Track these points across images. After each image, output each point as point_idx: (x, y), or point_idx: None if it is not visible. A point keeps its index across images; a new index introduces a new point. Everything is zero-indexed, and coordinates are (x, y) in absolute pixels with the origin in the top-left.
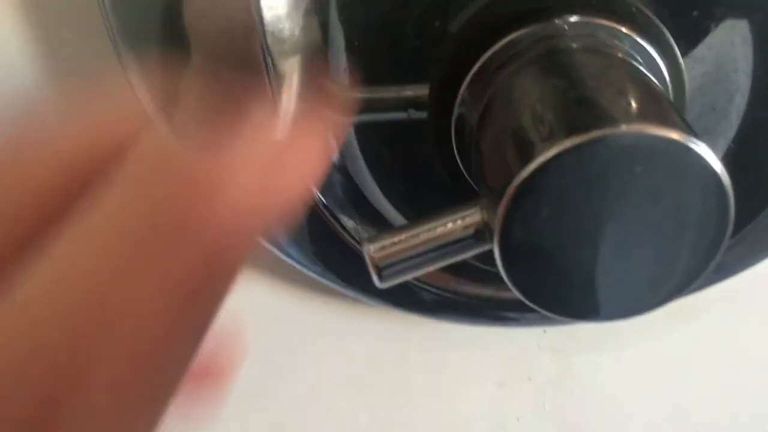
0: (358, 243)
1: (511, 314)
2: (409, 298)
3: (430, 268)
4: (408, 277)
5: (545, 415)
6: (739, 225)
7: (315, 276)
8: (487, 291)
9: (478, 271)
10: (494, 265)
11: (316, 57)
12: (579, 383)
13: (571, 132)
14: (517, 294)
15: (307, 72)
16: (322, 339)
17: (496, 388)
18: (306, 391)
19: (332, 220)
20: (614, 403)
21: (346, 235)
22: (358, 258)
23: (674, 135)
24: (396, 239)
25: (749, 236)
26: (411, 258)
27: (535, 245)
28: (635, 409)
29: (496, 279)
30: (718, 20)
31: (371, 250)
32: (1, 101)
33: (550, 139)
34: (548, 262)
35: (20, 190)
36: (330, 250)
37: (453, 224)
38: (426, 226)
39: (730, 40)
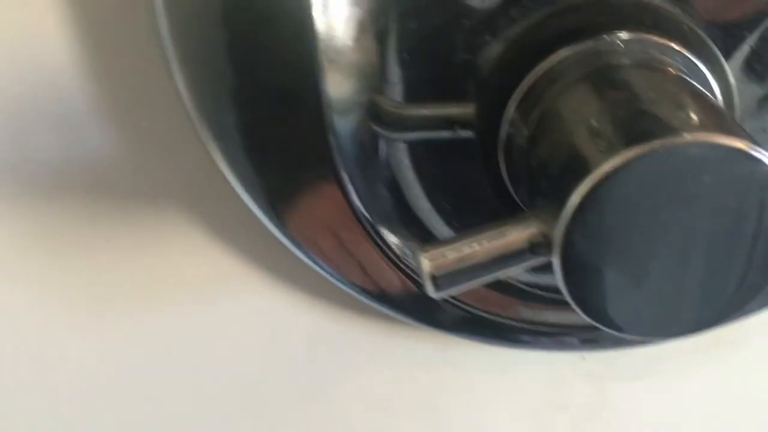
0: (397, 258)
1: (545, 338)
2: (444, 318)
3: (484, 280)
4: (461, 288)
5: None
6: None
7: (351, 292)
8: (526, 312)
9: (519, 290)
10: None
11: (369, 72)
12: (616, 413)
13: (634, 142)
14: (574, 306)
15: (359, 87)
16: (354, 357)
17: (530, 416)
18: (330, 411)
19: (373, 234)
20: None
21: (386, 250)
22: (394, 274)
23: (740, 144)
24: (450, 249)
25: None
26: (465, 268)
27: (596, 256)
28: None
29: (537, 299)
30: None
31: (426, 260)
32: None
33: (611, 150)
34: (608, 274)
35: None
36: (369, 267)
37: (508, 235)
38: (480, 237)
39: None
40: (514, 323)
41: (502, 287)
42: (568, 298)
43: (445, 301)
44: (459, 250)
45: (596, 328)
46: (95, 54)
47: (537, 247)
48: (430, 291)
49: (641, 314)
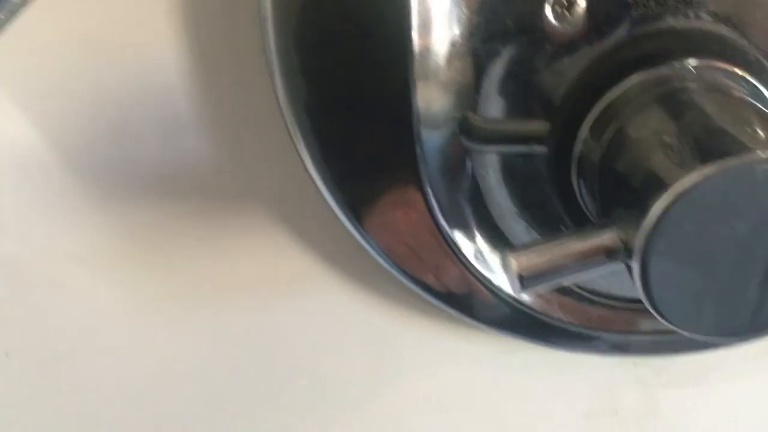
0: (469, 263)
1: (596, 344)
2: (508, 320)
3: (565, 281)
4: (544, 286)
5: None
6: None
7: (422, 293)
8: (585, 318)
9: (579, 296)
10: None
11: (458, 90)
12: (664, 420)
13: (710, 159)
14: (650, 308)
15: (448, 103)
16: (419, 357)
17: (582, 419)
18: (393, 407)
19: (449, 240)
20: None
21: (460, 255)
22: (466, 280)
23: None
24: (536, 252)
25: None
26: (549, 269)
27: (672, 262)
28: None
29: (595, 305)
30: None
31: (514, 260)
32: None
33: (689, 166)
34: (682, 279)
35: None
36: (444, 272)
37: (589, 241)
38: (563, 242)
39: None
40: (572, 328)
41: (564, 292)
42: (643, 298)
43: (509, 305)
44: (543, 252)
45: (650, 335)
46: (201, 65)
47: (615, 253)
48: (516, 289)
49: (709, 316)
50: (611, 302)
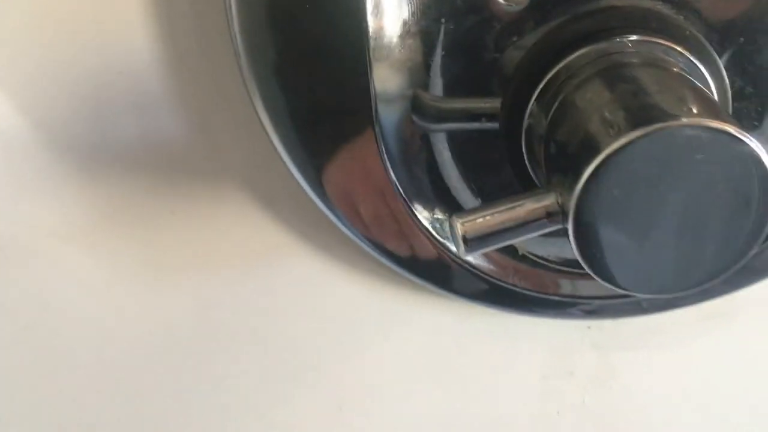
0: (428, 231)
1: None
2: (467, 286)
3: (508, 243)
4: (488, 248)
5: (584, 410)
6: None
7: (385, 261)
8: (540, 283)
9: (534, 262)
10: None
11: (411, 68)
12: (618, 380)
13: (637, 125)
14: (585, 267)
15: (403, 82)
16: (383, 324)
17: (540, 381)
18: (361, 372)
19: (408, 209)
20: (651, 401)
21: (419, 223)
22: (426, 246)
23: (729, 128)
24: (480, 215)
25: None
26: (492, 232)
27: (604, 223)
28: (671, 408)
29: (549, 270)
30: (761, 47)
31: (459, 223)
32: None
33: (618, 133)
34: (614, 239)
35: None
36: (405, 240)
37: (530, 204)
38: (506, 206)
39: None
40: (528, 293)
41: (519, 258)
42: (578, 257)
43: (470, 271)
44: (487, 216)
45: (602, 299)
46: (172, 49)
47: (553, 215)
48: (462, 252)
49: (641, 273)
50: (564, 268)
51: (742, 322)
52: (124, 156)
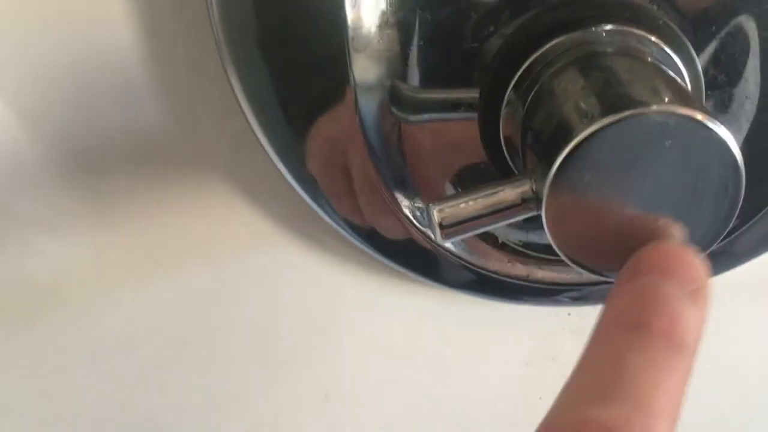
0: (410, 220)
1: (535, 295)
2: (449, 275)
3: (484, 229)
4: (465, 235)
5: None
6: (749, 215)
7: (365, 248)
8: (521, 270)
9: (514, 250)
10: (530, 246)
11: (392, 60)
12: None
13: (608, 112)
14: (558, 252)
15: (382, 72)
16: (367, 311)
17: (522, 367)
18: (345, 358)
19: (390, 198)
20: None
21: (401, 212)
22: (410, 237)
23: (698, 115)
24: (456, 202)
25: (757, 227)
26: (468, 218)
27: (576, 210)
28: None
29: (529, 258)
30: (733, 36)
31: (436, 211)
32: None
33: (590, 119)
34: (586, 225)
35: None
36: (387, 229)
37: (505, 191)
38: (482, 193)
39: (743, 51)
40: (509, 280)
41: (499, 247)
42: (552, 242)
43: (452, 260)
44: (462, 203)
45: (581, 287)
46: (154, 38)
47: (528, 201)
48: (439, 238)
49: (615, 256)
50: (544, 255)
51: (721, 306)
52: (109, 148)
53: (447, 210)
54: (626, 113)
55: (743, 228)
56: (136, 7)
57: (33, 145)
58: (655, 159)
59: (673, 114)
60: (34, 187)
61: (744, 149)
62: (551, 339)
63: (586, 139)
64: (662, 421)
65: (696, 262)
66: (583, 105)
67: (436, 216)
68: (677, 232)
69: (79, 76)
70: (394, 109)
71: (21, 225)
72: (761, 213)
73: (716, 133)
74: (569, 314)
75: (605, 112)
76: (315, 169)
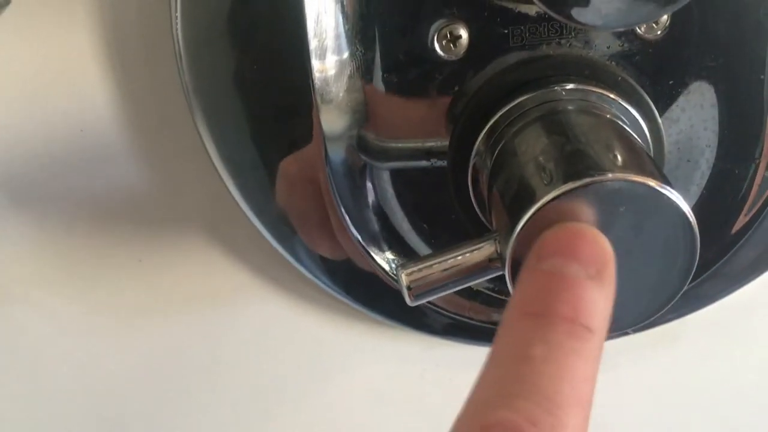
0: (386, 272)
1: None
2: (426, 322)
3: (452, 290)
4: (434, 297)
5: None
6: (713, 260)
7: (344, 299)
8: (495, 316)
9: (488, 297)
10: (503, 292)
11: (358, 112)
12: None
13: (567, 179)
14: None
15: (351, 125)
16: (349, 358)
17: None
18: (330, 405)
19: (364, 251)
20: (611, 420)
21: (375, 265)
22: (383, 284)
23: (651, 182)
24: (424, 266)
25: (723, 270)
26: (437, 281)
27: None
28: (629, 426)
29: (503, 304)
30: (690, 88)
31: (404, 275)
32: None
33: (551, 184)
34: None
35: None
36: (361, 279)
37: (471, 254)
38: (449, 256)
39: (700, 103)
40: (485, 325)
41: (473, 295)
42: None
43: (429, 308)
44: (431, 266)
45: None
46: (131, 105)
47: (494, 262)
48: (408, 300)
49: None
50: None
51: (689, 344)
52: (88, 210)
53: (415, 274)
54: (585, 180)
55: (708, 274)
56: (112, 76)
57: (18, 209)
58: (612, 223)
59: (628, 180)
60: (20, 247)
61: (706, 195)
62: None
63: (546, 204)
64: (572, 413)
65: (599, 240)
66: (543, 170)
67: (404, 279)
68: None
69: (60, 142)
70: (363, 157)
71: (9, 283)
72: (722, 259)
73: (669, 198)
74: None
75: (563, 179)
76: (288, 222)
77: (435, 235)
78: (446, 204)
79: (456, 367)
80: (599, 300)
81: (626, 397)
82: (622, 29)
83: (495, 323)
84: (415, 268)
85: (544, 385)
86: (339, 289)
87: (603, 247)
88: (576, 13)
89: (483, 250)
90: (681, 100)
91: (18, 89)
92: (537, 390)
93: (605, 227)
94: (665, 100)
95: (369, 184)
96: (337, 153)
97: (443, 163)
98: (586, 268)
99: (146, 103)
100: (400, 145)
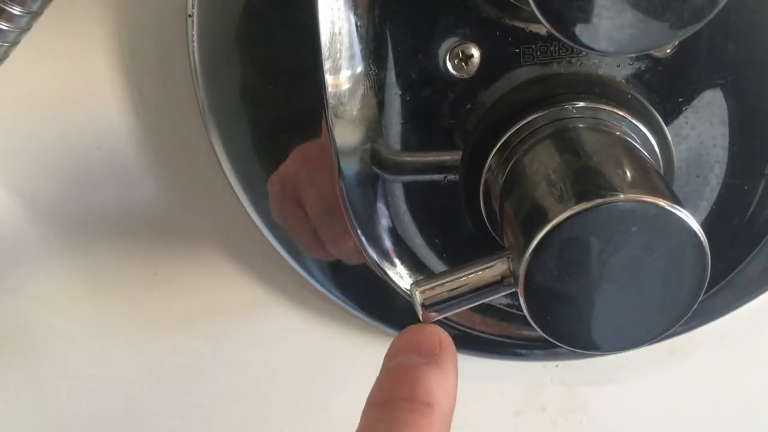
0: (398, 285)
1: (522, 351)
2: None
3: (465, 308)
4: (448, 314)
5: None
6: (724, 273)
7: (356, 313)
8: (507, 329)
9: (500, 311)
10: (515, 306)
11: (371, 129)
12: (587, 413)
13: (580, 199)
14: (536, 328)
15: (364, 140)
16: (358, 370)
17: (514, 416)
18: (342, 417)
19: (377, 266)
20: None
21: (387, 280)
22: (393, 297)
23: (662, 202)
24: (438, 283)
25: (733, 283)
26: (450, 299)
27: (552, 289)
28: None
29: (515, 318)
30: (699, 105)
31: (418, 292)
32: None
33: (563, 203)
34: (562, 303)
35: None
36: (373, 293)
37: (484, 272)
38: (462, 273)
39: (709, 120)
40: (497, 338)
41: (484, 309)
42: (529, 319)
43: (441, 321)
44: (444, 284)
45: None
46: (147, 126)
47: (507, 279)
48: (422, 317)
49: (588, 334)
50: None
51: (700, 356)
52: (105, 226)
53: (429, 291)
54: (596, 201)
55: (718, 287)
56: (128, 95)
57: (36, 226)
58: (624, 242)
59: (640, 201)
60: (39, 264)
61: (716, 210)
62: (541, 390)
63: (559, 224)
64: None
65: (434, 332)
66: (555, 188)
67: (419, 297)
68: None
69: (78, 160)
70: (376, 170)
71: (29, 299)
72: (733, 272)
73: (680, 218)
74: (557, 366)
75: (576, 199)
76: (302, 238)
77: (447, 250)
78: (458, 219)
79: (467, 378)
80: (438, 379)
81: (637, 409)
82: (634, 55)
83: (507, 336)
84: (428, 286)
85: None
86: (351, 303)
87: (439, 337)
88: (589, 40)
89: (495, 268)
90: (690, 117)
91: (39, 109)
92: None
93: (618, 246)
94: (675, 117)
95: (382, 199)
96: (351, 167)
97: (455, 177)
98: (424, 357)
99: (163, 120)
100: (413, 159)
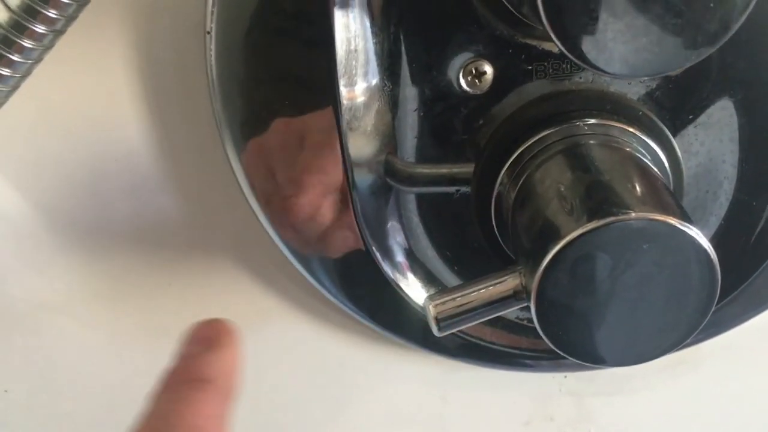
0: (408, 297)
1: (531, 362)
2: (448, 345)
3: (477, 321)
4: (461, 327)
5: None
6: (732, 287)
7: (368, 323)
8: (518, 341)
9: (510, 323)
10: (526, 318)
11: (385, 144)
12: (595, 423)
13: (592, 216)
14: (547, 342)
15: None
16: (370, 381)
17: (523, 427)
18: (353, 427)
19: (391, 279)
20: None
21: (399, 291)
22: (405, 308)
23: (672, 220)
24: (450, 298)
25: (741, 297)
26: (463, 313)
27: (563, 304)
28: None
29: (524, 329)
30: (709, 122)
31: (431, 306)
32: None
33: (575, 220)
34: (573, 318)
35: None
36: (385, 303)
37: (496, 287)
38: (474, 288)
39: (719, 137)
40: (506, 349)
41: (493, 321)
42: (541, 333)
43: (452, 333)
44: (457, 299)
45: None
46: (164, 139)
47: (519, 294)
48: (435, 331)
49: (599, 348)
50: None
51: (706, 369)
52: (121, 237)
53: (441, 306)
54: (608, 219)
55: (726, 300)
56: (145, 108)
57: (53, 237)
58: (636, 259)
59: (651, 219)
60: (55, 273)
61: (725, 225)
62: (549, 400)
63: (571, 241)
64: None
65: (212, 324)
66: (568, 206)
67: (432, 311)
68: None
69: (94, 172)
70: (390, 181)
71: (43, 307)
72: (741, 287)
73: (691, 236)
74: (565, 376)
75: (588, 216)
76: (314, 250)
77: (458, 262)
78: (470, 232)
79: (477, 389)
80: (213, 360)
81: (644, 420)
82: (647, 77)
83: (517, 348)
84: (441, 300)
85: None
86: (363, 314)
87: (217, 326)
88: (604, 63)
89: (507, 283)
90: (700, 134)
91: (59, 122)
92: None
93: (629, 263)
94: (685, 133)
95: (394, 212)
96: (364, 179)
97: (468, 190)
98: (202, 345)
99: (180, 134)
100: (426, 171)
